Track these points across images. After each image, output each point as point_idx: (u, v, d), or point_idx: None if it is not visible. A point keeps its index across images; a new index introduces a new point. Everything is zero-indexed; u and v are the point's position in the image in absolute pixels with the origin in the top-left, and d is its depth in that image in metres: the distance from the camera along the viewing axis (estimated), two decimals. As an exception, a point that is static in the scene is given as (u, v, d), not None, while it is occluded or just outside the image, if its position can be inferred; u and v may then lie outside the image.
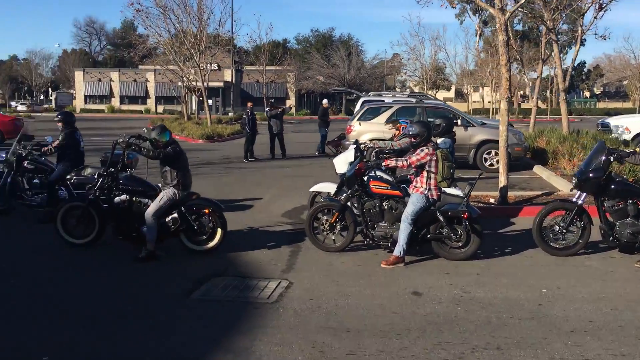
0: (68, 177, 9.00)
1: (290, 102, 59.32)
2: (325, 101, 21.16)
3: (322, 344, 4.69)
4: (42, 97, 79.82)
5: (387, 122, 12.07)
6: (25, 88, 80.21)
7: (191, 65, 33.18)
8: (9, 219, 9.23)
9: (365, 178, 7.33)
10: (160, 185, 7.43)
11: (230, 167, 16.10)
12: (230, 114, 46.66)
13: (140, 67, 64.07)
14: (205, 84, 31.71)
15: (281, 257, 7.32)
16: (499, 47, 10.09)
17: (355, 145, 8.53)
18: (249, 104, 18.61)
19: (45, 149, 9.02)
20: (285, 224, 9.25)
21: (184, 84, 36.17)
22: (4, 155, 9.32)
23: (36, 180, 9.26)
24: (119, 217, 7.36)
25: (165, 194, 7.17)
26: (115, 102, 64.72)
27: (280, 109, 18.87)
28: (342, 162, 8.67)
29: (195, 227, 7.30)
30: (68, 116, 9.27)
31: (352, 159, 8.36)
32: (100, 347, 4.66)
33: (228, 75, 59.04)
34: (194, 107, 43.07)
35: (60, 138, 8.97)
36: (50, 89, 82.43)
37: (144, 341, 4.79)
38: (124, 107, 64.00)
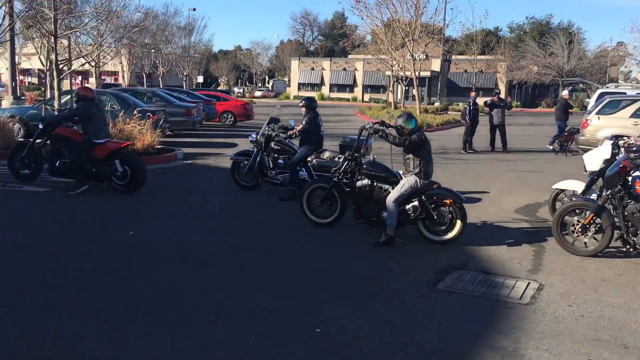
0: (309, 159, 9.52)
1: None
2: (565, 92, 19.62)
3: (599, 357, 4.26)
4: (259, 84, 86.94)
5: None
6: (247, 75, 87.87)
7: (401, 54, 33.42)
8: (255, 194, 10.10)
9: (630, 178, 6.56)
10: (401, 172, 7.47)
11: (448, 158, 15.79)
12: (436, 104, 46.09)
13: (349, 56, 66.42)
14: (416, 73, 31.67)
15: (524, 255, 6.91)
16: None
17: (612, 141, 7.69)
18: (472, 93, 18.00)
19: (291, 132, 9.61)
20: (520, 220, 8.75)
21: (393, 73, 36.57)
22: (254, 136, 10.16)
23: (280, 161, 9.92)
24: (360, 201, 7.58)
25: (407, 181, 7.18)
26: (325, 89, 67.85)
27: (500, 101, 17.90)
28: (594, 159, 7.88)
29: (435, 217, 7.21)
30: (311, 101, 9.75)
31: (608, 156, 7.55)
32: (356, 325, 4.78)
33: (435, 65, 58.38)
34: (399, 96, 43.34)
35: (304, 122, 9.49)
36: (267, 77, 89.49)
37: (396, 326, 4.79)
38: (333, 94, 66.81)
